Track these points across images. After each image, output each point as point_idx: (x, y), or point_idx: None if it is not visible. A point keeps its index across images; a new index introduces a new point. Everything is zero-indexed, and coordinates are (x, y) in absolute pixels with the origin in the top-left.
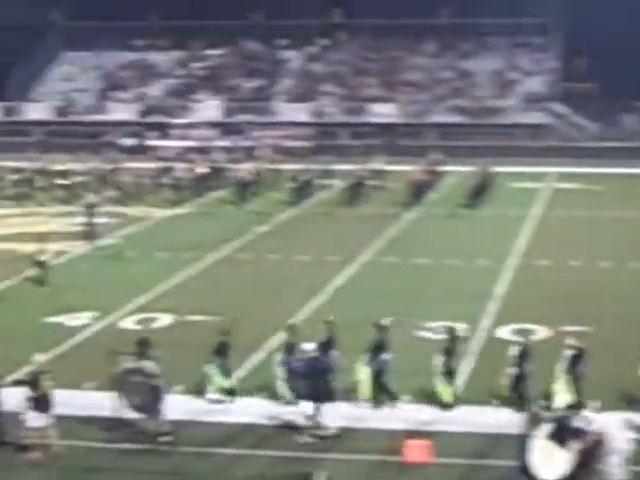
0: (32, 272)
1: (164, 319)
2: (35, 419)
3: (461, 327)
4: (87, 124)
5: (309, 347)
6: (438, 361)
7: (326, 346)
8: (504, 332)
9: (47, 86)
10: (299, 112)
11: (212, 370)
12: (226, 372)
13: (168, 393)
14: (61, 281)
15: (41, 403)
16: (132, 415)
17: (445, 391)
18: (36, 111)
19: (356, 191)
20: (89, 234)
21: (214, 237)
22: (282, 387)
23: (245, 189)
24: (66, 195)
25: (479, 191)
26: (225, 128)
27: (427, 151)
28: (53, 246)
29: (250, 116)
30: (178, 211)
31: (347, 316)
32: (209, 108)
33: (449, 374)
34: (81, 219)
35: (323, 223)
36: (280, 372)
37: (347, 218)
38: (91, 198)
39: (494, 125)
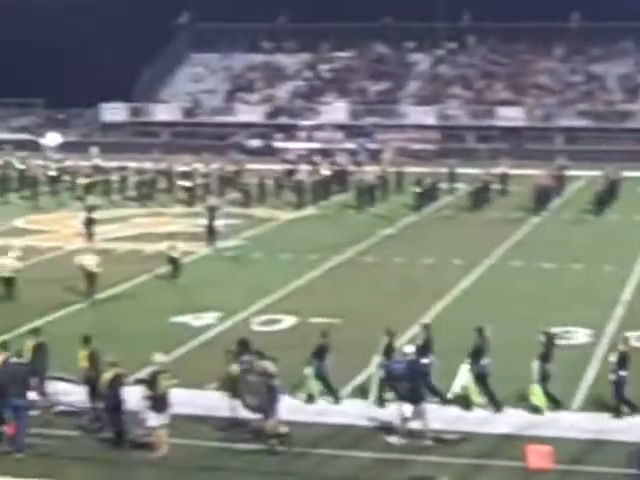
0: (165, 269)
1: (287, 321)
2: (153, 418)
3: (585, 332)
4: (214, 125)
5: (409, 350)
6: (534, 366)
7: (424, 349)
8: (630, 338)
9: (175, 87)
10: (426, 115)
11: (309, 372)
12: (320, 375)
13: (285, 394)
14: (186, 281)
15: (158, 402)
16: (248, 415)
17: (538, 396)
18: (163, 112)
19: (481, 195)
20: (211, 235)
21: (338, 239)
22: (378, 389)
23: (369, 192)
24: (188, 197)
25: (606, 196)
26: (351, 131)
27: (554, 155)
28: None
29: (376, 119)
30: (302, 213)
31: (472, 319)
32: (335, 110)
33: (544, 379)
34: (203, 220)
35: (448, 227)
36: (379, 374)
37: (472, 222)
38: (213, 200)
39: (622, 129)
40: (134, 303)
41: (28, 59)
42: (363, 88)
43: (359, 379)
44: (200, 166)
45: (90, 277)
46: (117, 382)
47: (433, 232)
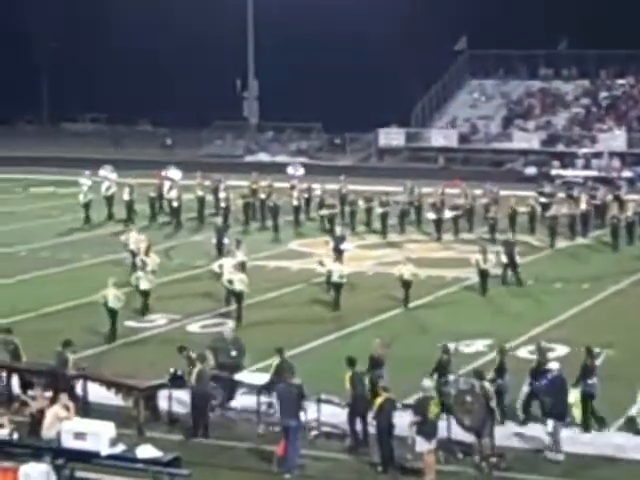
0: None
1: (559, 350)
2: (421, 443)
3: None
4: (490, 151)
5: (555, 366)
6: None
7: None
8: None
9: (452, 113)
10: None
11: None
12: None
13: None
14: (457, 307)
15: (425, 428)
16: (463, 435)
17: None
18: (440, 137)
19: None
20: (507, 269)
21: (611, 269)
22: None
23: (627, 229)
24: (435, 230)
25: None
26: (628, 159)
27: None
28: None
29: None
30: (574, 242)
31: None
32: (613, 138)
33: None
34: (465, 248)
35: None
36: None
37: None
38: (510, 235)
39: None
40: (410, 327)
41: (309, 84)
42: None
43: (634, 411)
44: (456, 194)
45: (405, 285)
46: (388, 407)
47: None
